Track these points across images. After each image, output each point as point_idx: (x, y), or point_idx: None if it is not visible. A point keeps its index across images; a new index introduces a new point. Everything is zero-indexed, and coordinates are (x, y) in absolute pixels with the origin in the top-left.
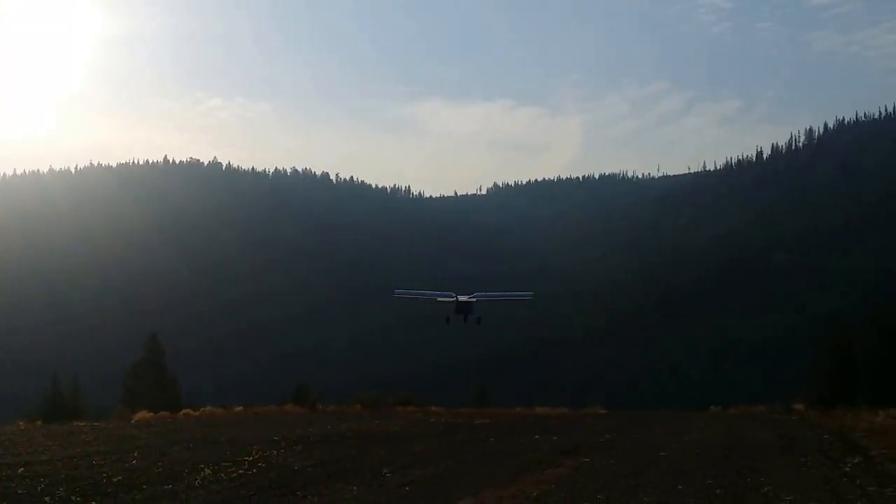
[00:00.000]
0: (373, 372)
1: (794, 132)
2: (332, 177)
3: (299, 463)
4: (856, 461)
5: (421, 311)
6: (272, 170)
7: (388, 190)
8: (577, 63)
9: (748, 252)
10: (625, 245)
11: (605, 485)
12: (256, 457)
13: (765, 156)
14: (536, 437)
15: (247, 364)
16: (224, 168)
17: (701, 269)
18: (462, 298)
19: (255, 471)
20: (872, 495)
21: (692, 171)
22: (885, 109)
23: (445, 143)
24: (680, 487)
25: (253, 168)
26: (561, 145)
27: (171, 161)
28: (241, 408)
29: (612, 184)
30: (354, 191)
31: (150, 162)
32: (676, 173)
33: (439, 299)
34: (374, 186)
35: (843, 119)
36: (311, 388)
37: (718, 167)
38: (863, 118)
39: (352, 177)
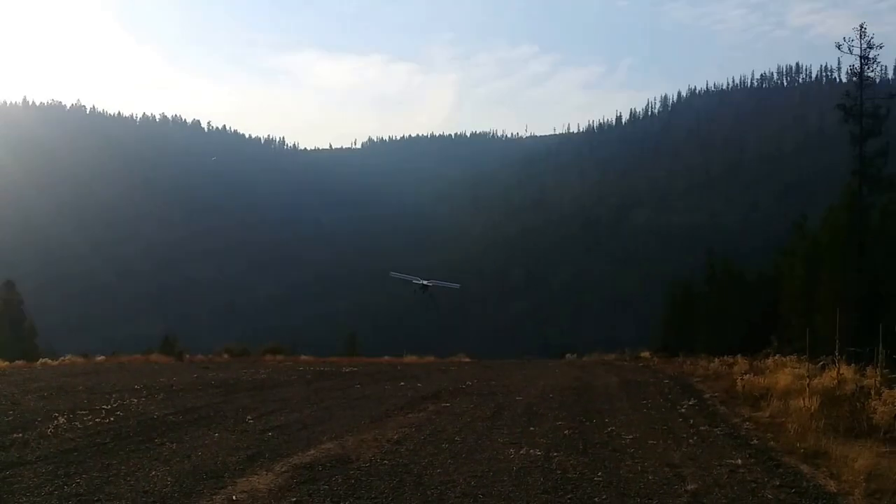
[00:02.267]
0: (244, 322)
1: (651, 98)
2: (204, 125)
3: (160, 411)
4: (691, 403)
5: (291, 264)
6: (140, 115)
7: (262, 140)
8: (449, 21)
9: (606, 210)
10: (494, 201)
11: (463, 427)
12: (115, 405)
13: (623, 120)
14: (402, 383)
15: (113, 314)
16: (88, 112)
17: (564, 226)
18: (425, 282)
19: (112, 419)
20: (703, 433)
21: (558, 132)
22: (732, 81)
23: (321, 95)
24: (532, 428)
25: (119, 113)
26: (434, 102)
27: (30, 102)
28: (103, 357)
29: (482, 142)
30: (227, 140)
31: (9, 103)
32: (543, 134)
33: (414, 282)
34: (247, 136)
35: (695, 88)
36: (178, 337)
37: (581, 129)
38: (712, 88)
39: (224, 125)
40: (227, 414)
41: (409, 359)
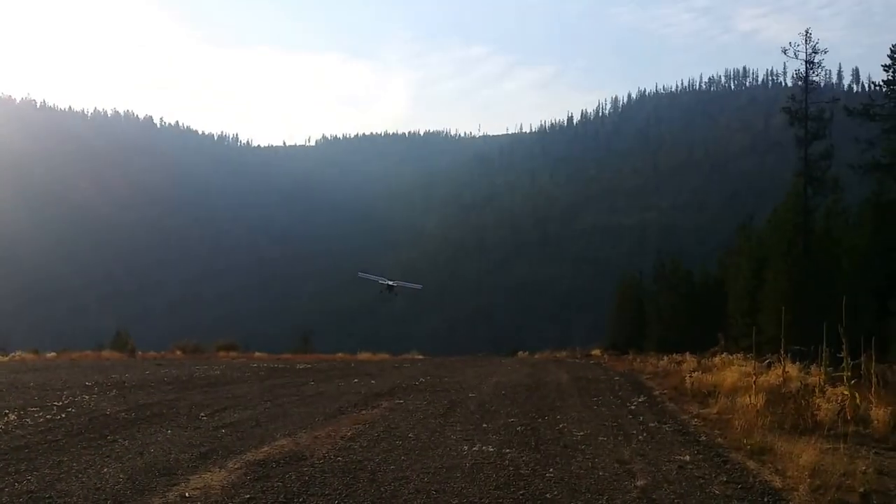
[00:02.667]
0: (196, 319)
1: (602, 100)
2: (157, 120)
3: (112, 408)
4: (640, 400)
5: (244, 261)
6: (91, 110)
7: (216, 137)
8: (404, 21)
9: (557, 210)
10: (446, 200)
11: (417, 424)
12: (66, 402)
13: (575, 121)
14: (356, 380)
15: (63, 309)
16: (39, 105)
17: (516, 225)
18: (391, 283)
19: (63, 416)
20: (652, 430)
21: (510, 132)
22: (681, 83)
23: (276, 92)
24: (485, 425)
25: (70, 108)
26: (389, 101)
27: None
28: (54, 353)
29: (436, 141)
30: (180, 136)
31: None
32: (496, 133)
33: (380, 282)
34: (200, 133)
35: (645, 90)
36: (130, 334)
37: (534, 129)
38: (661, 90)
39: (177, 122)
40: (180, 411)
41: (363, 356)
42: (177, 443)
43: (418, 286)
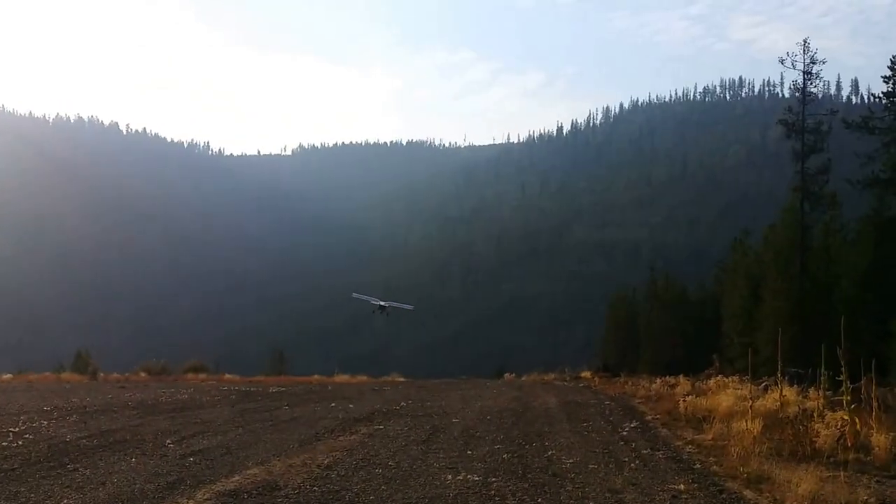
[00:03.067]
0: (162, 338)
1: (593, 109)
2: (122, 127)
3: (72, 434)
4: (633, 425)
5: (216, 275)
6: (53, 116)
7: (185, 145)
8: (386, 25)
9: (546, 224)
10: (429, 213)
11: (397, 451)
12: (23, 427)
13: (565, 131)
14: (333, 404)
15: (22, 328)
16: None
17: (501, 239)
18: (383, 304)
19: (20, 443)
20: (645, 457)
21: (497, 142)
22: (675, 93)
23: (250, 97)
24: (469, 452)
25: (31, 113)
26: (370, 109)
27: None
28: (10, 375)
29: (418, 150)
30: (147, 144)
31: None
32: (482, 143)
33: (372, 302)
34: (169, 140)
35: (637, 99)
36: (92, 354)
37: (522, 139)
38: (654, 100)
39: (144, 128)
40: (145, 437)
41: (341, 378)
42: (142, 472)
43: (410, 307)
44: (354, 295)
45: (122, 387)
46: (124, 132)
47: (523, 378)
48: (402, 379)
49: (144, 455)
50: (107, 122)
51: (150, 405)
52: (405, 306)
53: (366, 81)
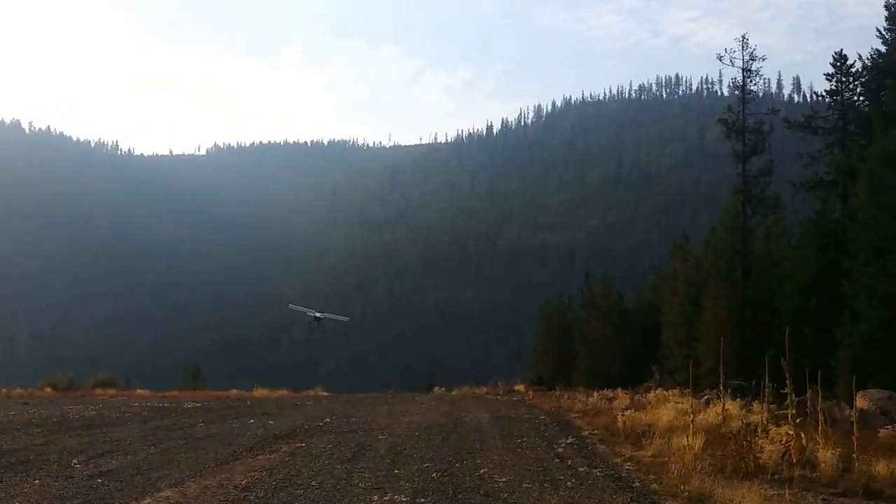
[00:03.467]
0: (69, 351)
1: (524, 108)
2: (25, 125)
3: None
4: (569, 441)
5: (126, 284)
6: None
7: (93, 144)
8: (304, 19)
9: (477, 227)
10: (352, 216)
11: (320, 470)
12: None
13: (495, 130)
14: (252, 421)
15: None
16: None
17: (429, 244)
18: (317, 315)
19: None
20: (582, 475)
21: (424, 141)
22: (609, 91)
23: (161, 94)
24: (397, 471)
25: None
26: (289, 107)
27: None
28: None
29: (341, 150)
30: (51, 143)
31: None
32: (408, 143)
33: (308, 314)
34: (75, 139)
35: (570, 98)
36: None
37: (450, 139)
38: (588, 98)
39: (49, 126)
40: (49, 457)
41: (260, 392)
42: (46, 494)
43: (345, 318)
44: (291, 307)
45: (25, 403)
46: (27, 131)
47: (454, 392)
48: (325, 393)
49: (49, 476)
50: (7, 120)
51: (55, 422)
52: (340, 317)
53: (285, 78)
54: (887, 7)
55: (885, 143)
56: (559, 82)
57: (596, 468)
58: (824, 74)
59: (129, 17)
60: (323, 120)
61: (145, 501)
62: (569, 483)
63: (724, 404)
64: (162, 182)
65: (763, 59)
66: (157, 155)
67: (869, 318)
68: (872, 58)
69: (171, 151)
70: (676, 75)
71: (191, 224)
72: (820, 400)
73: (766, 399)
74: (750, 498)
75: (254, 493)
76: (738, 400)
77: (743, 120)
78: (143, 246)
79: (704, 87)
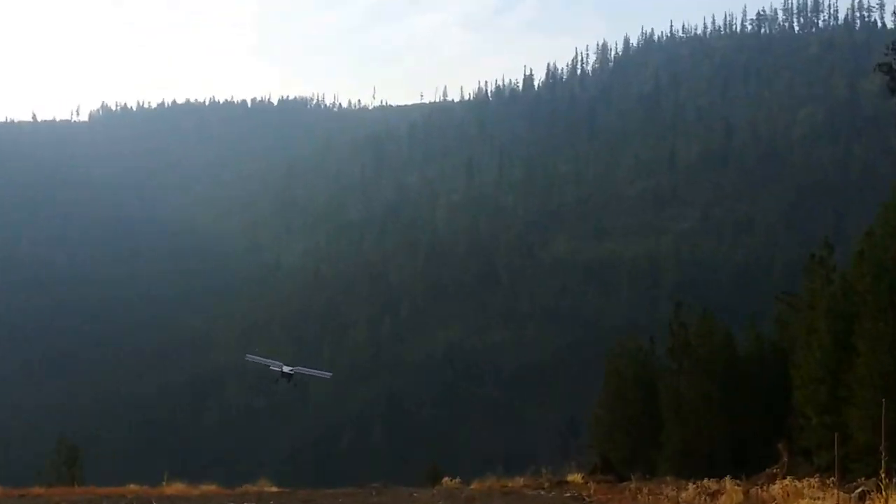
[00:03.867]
0: None
1: (581, 48)
2: None
3: None
4: None
5: None
6: None
7: None
8: None
9: (508, 231)
10: (317, 214)
11: None
12: None
13: (536, 83)
14: None
15: None
16: None
17: (437, 255)
18: (288, 370)
19: None
20: None
21: (427, 100)
22: (712, 22)
23: (22, 41)
24: None
25: None
26: (214, 51)
27: None
28: None
29: (299, 114)
30: None
31: None
32: (402, 103)
33: (273, 368)
34: None
35: (653, 33)
36: None
37: (467, 97)
38: (680, 34)
39: None
40: None
41: (175, 488)
42: None
43: (327, 374)
44: (248, 358)
45: None
46: None
47: (472, 486)
48: (274, 489)
49: None
50: None
51: None
52: (320, 373)
53: (208, 10)
54: None
55: None
56: (636, 8)
57: None
58: None
59: None
60: (271, 70)
61: None
62: None
63: (886, 499)
64: (23, 161)
65: None
66: (15, 122)
67: None
68: None
69: (34, 117)
70: None
71: (66, 226)
72: None
73: None
74: None
75: None
76: None
77: None
78: None
79: (857, 14)
